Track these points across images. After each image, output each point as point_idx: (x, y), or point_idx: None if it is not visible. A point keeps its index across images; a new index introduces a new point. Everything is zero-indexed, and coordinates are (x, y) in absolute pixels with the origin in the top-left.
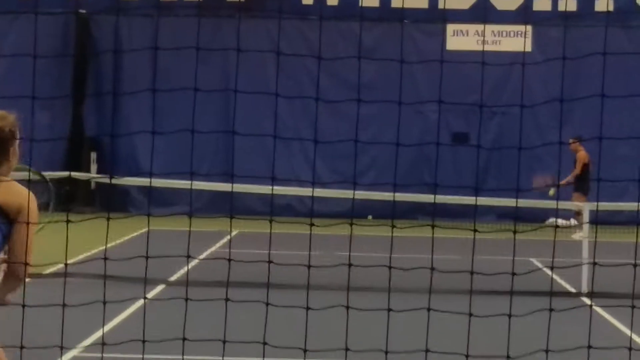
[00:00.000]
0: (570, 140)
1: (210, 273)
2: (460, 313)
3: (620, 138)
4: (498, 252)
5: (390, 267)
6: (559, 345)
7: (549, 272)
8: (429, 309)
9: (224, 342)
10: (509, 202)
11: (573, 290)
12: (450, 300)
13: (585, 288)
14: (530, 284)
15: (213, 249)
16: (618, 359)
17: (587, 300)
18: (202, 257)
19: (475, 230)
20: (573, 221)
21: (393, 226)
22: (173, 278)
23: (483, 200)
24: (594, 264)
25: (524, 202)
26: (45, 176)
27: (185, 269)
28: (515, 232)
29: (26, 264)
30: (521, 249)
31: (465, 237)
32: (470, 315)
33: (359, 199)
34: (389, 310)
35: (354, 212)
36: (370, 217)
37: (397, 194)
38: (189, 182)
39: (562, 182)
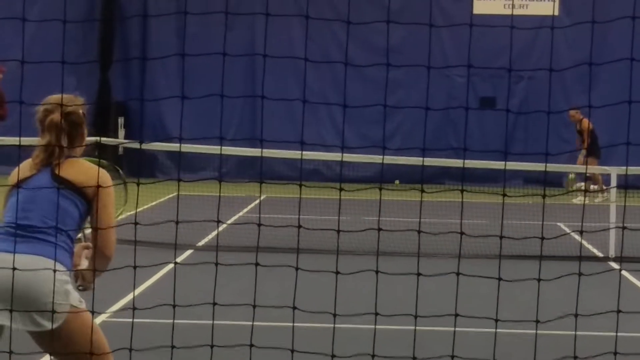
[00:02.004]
0: (572, 112)
1: (238, 238)
2: (489, 277)
3: None
4: (525, 217)
5: (419, 232)
6: (588, 310)
7: (576, 236)
8: (458, 274)
9: (254, 306)
10: (537, 166)
11: (600, 254)
12: (479, 265)
13: (612, 252)
14: (558, 248)
15: (240, 213)
16: None
17: (615, 265)
18: (229, 222)
19: (504, 195)
20: (580, 184)
21: (422, 190)
22: (201, 243)
23: (511, 165)
24: (623, 228)
25: (552, 167)
26: (117, 167)
27: (213, 233)
28: (544, 196)
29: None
30: (548, 213)
31: (492, 202)
32: (500, 279)
33: (385, 164)
34: (419, 274)
35: (381, 177)
36: (397, 182)
37: (426, 159)
38: (219, 147)
39: (580, 159)
